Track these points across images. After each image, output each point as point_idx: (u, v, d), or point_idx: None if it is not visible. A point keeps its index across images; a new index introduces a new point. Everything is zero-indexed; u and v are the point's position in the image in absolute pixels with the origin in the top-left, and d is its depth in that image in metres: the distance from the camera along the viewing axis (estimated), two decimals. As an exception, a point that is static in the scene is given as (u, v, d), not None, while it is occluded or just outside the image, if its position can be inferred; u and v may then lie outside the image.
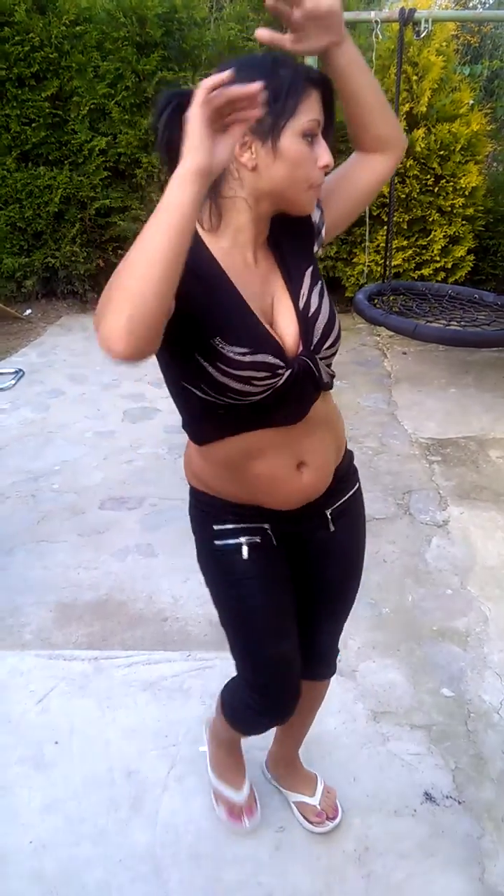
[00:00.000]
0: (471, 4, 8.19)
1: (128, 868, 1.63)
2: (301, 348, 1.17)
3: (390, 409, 4.06)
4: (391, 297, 4.27)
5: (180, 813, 1.75)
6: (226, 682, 1.58)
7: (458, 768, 1.86)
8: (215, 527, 1.32)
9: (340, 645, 1.60)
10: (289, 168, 1.07)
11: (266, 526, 1.32)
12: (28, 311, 5.79)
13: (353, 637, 2.28)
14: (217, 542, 1.33)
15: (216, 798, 1.75)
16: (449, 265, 5.34)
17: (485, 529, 2.89)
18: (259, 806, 1.73)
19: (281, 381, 1.13)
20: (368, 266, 5.20)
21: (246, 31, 5.22)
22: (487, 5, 8.84)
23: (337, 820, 1.72)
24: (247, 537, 1.31)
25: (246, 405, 1.14)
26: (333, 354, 1.23)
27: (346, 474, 1.39)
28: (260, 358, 1.10)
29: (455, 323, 4.04)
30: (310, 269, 1.21)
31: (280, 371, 1.12)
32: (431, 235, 5.26)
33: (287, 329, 1.17)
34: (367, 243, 5.16)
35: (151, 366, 1.11)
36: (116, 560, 2.71)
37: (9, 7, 4.98)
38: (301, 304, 1.18)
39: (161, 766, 1.86)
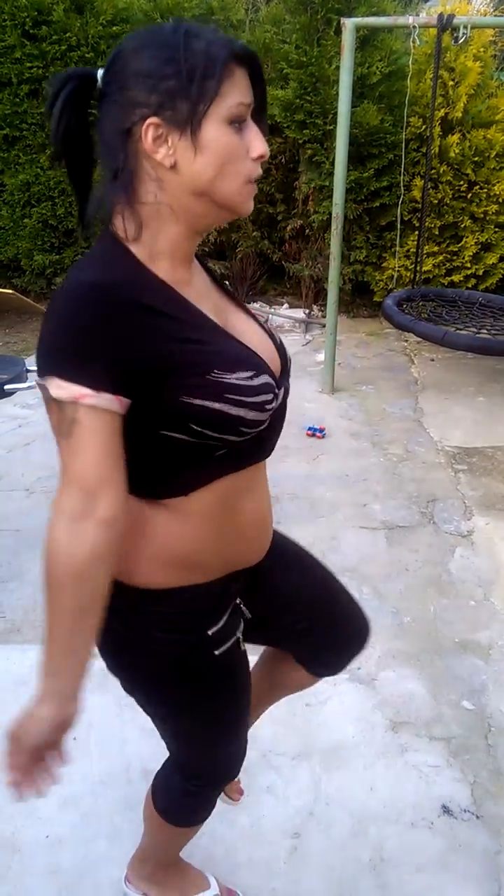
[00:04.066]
0: (509, 10, 8.10)
1: (142, 867, 1.63)
2: (280, 370, 1.05)
3: (416, 416, 4.03)
4: (420, 304, 4.24)
5: (196, 815, 1.75)
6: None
7: (477, 782, 1.84)
8: (210, 631, 1.06)
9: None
10: (215, 163, 0.87)
11: (238, 600, 1.13)
12: (57, 308, 5.84)
13: (374, 645, 2.26)
14: (218, 650, 1.07)
15: None
16: (480, 272, 5.29)
17: (510, 541, 2.86)
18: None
19: (277, 403, 0.98)
20: (398, 271, 5.17)
21: (281, 34, 5.22)
22: (526, 11, 8.75)
23: None
24: (237, 623, 1.11)
25: (248, 439, 0.95)
26: None
27: None
28: (263, 379, 0.94)
29: (485, 331, 4.00)
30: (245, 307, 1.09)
31: (277, 392, 0.97)
32: (463, 242, 5.21)
33: (261, 350, 1.01)
34: (398, 248, 5.14)
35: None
36: (138, 559, 2.71)
37: (47, 6, 5.03)
38: (268, 329, 1.08)
39: (178, 767, 1.86)
